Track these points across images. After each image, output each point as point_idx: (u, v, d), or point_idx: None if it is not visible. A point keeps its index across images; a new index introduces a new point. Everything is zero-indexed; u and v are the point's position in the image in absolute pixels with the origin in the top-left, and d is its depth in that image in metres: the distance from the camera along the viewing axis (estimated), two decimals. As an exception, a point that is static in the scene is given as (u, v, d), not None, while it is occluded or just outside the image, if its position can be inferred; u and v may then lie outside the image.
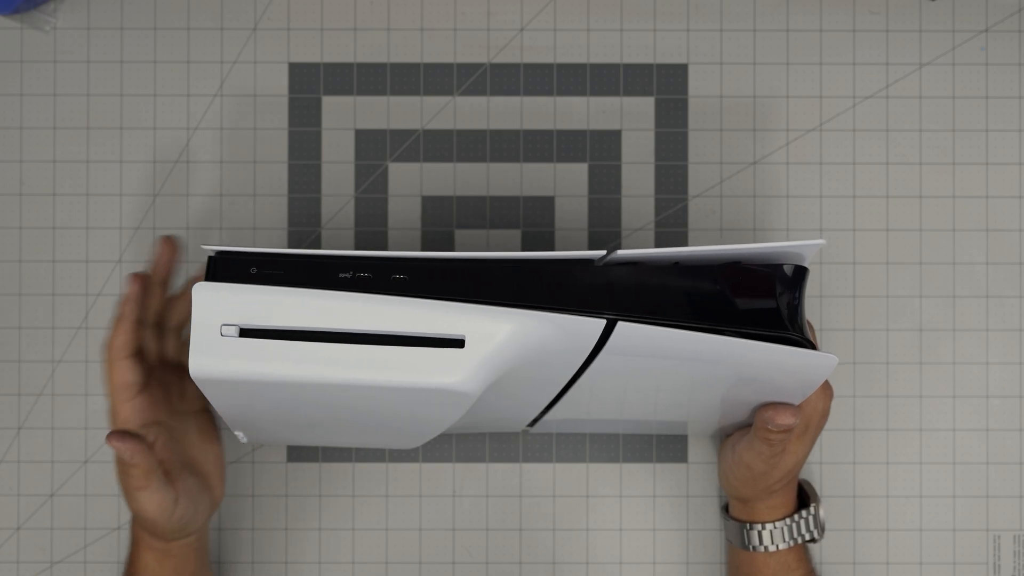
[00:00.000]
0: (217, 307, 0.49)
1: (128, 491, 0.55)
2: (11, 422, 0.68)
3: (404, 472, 0.68)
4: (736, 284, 0.51)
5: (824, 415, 0.59)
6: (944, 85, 0.68)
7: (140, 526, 0.58)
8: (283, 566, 0.68)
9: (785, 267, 0.52)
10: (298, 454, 0.68)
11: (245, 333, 0.49)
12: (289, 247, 0.68)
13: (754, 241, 0.68)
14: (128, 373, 0.56)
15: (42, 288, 0.68)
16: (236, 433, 0.59)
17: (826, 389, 0.59)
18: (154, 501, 0.55)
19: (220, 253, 0.50)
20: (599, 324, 0.48)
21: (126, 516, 0.68)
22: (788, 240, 0.61)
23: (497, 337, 0.48)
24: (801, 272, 0.52)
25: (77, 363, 0.68)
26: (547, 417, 0.60)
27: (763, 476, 0.59)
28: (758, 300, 0.51)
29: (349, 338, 0.49)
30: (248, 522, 0.68)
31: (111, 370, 0.56)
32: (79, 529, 0.68)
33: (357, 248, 0.68)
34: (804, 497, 0.64)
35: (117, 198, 0.68)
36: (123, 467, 0.54)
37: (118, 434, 0.53)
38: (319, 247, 0.68)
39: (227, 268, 0.50)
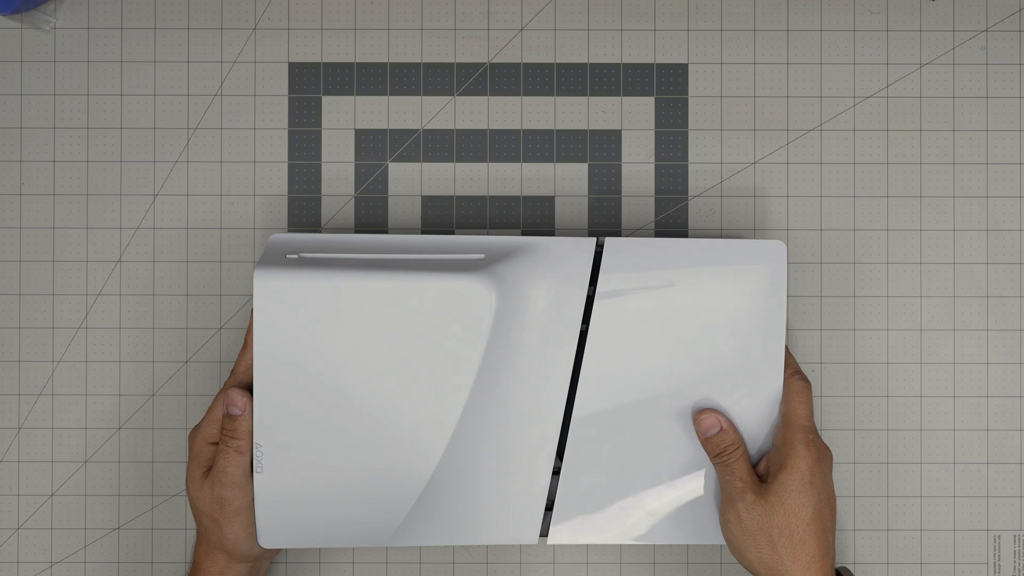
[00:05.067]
0: (282, 246, 0.61)
1: (224, 452, 0.59)
2: (11, 422, 0.68)
3: (404, 472, 0.68)
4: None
5: (821, 472, 0.58)
6: (944, 85, 0.68)
7: (214, 534, 0.60)
8: (283, 566, 0.68)
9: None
10: (298, 454, 0.68)
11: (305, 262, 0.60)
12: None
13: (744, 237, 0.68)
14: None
15: (42, 288, 0.68)
16: (256, 444, 0.60)
17: (817, 446, 0.59)
18: (244, 465, 0.59)
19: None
20: (591, 242, 0.61)
21: (126, 516, 0.68)
22: (754, 238, 0.66)
23: (510, 250, 0.61)
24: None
25: (77, 363, 0.68)
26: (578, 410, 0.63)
27: (763, 535, 0.57)
28: None
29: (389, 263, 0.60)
30: (248, 522, 0.68)
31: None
32: (79, 529, 0.68)
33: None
34: None
35: (117, 198, 0.68)
36: (230, 426, 0.59)
37: (238, 390, 0.60)
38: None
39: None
